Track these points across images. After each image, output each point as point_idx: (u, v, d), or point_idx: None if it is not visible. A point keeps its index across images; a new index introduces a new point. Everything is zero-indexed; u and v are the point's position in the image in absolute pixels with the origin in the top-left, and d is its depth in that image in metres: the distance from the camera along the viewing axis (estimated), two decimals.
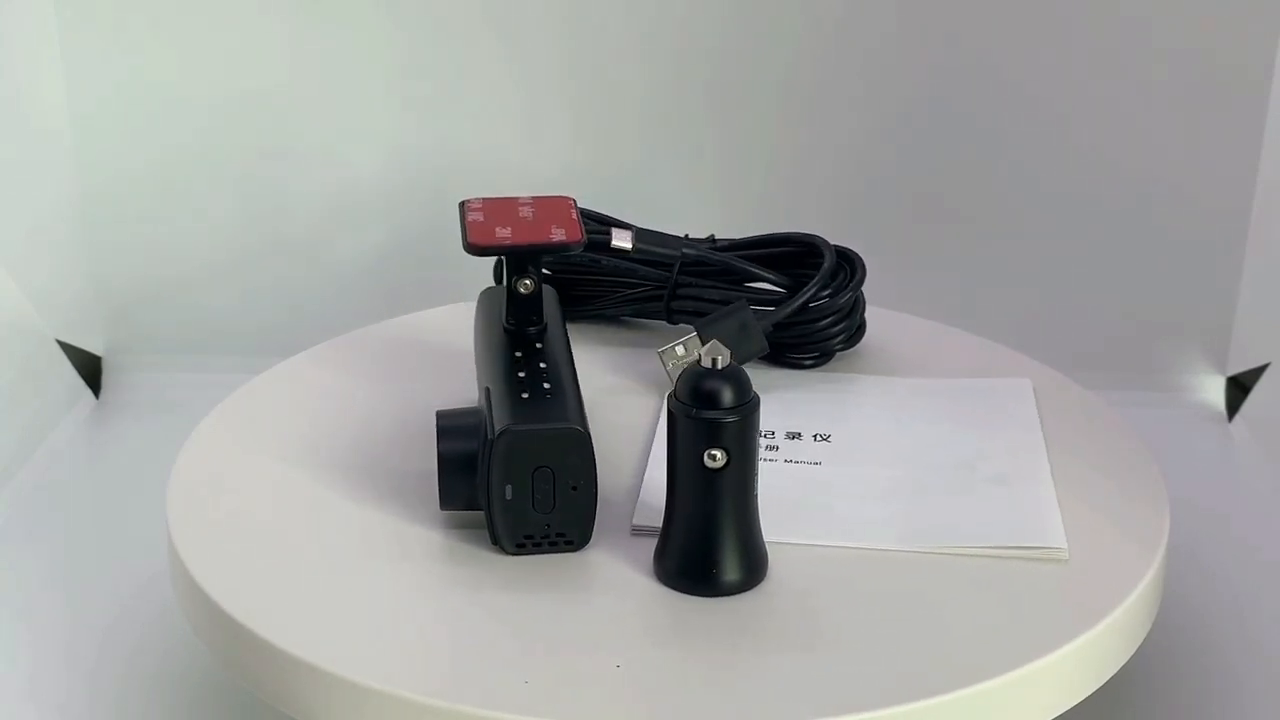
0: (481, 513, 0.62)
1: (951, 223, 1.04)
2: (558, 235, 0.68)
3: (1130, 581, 0.62)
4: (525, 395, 0.63)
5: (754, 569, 0.61)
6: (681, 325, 0.78)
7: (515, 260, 0.68)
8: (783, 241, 0.79)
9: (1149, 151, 1.02)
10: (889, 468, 0.69)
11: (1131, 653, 0.62)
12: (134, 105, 1.03)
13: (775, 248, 0.78)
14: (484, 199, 0.70)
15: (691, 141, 1.04)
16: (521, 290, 0.68)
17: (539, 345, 0.67)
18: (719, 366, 0.59)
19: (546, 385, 0.64)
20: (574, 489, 0.61)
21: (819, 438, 0.71)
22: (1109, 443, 0.71)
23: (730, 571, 0.60)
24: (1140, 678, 0.73)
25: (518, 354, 0.66)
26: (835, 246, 0.77)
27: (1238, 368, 1.03)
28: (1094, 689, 0.60)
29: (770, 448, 0.70)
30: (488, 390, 0.64)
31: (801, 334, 0.76)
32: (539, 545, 0.62)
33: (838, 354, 0.78)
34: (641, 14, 1.01)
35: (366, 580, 0.62)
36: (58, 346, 1.02)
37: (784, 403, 0.73)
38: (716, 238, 0.80)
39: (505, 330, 0.68)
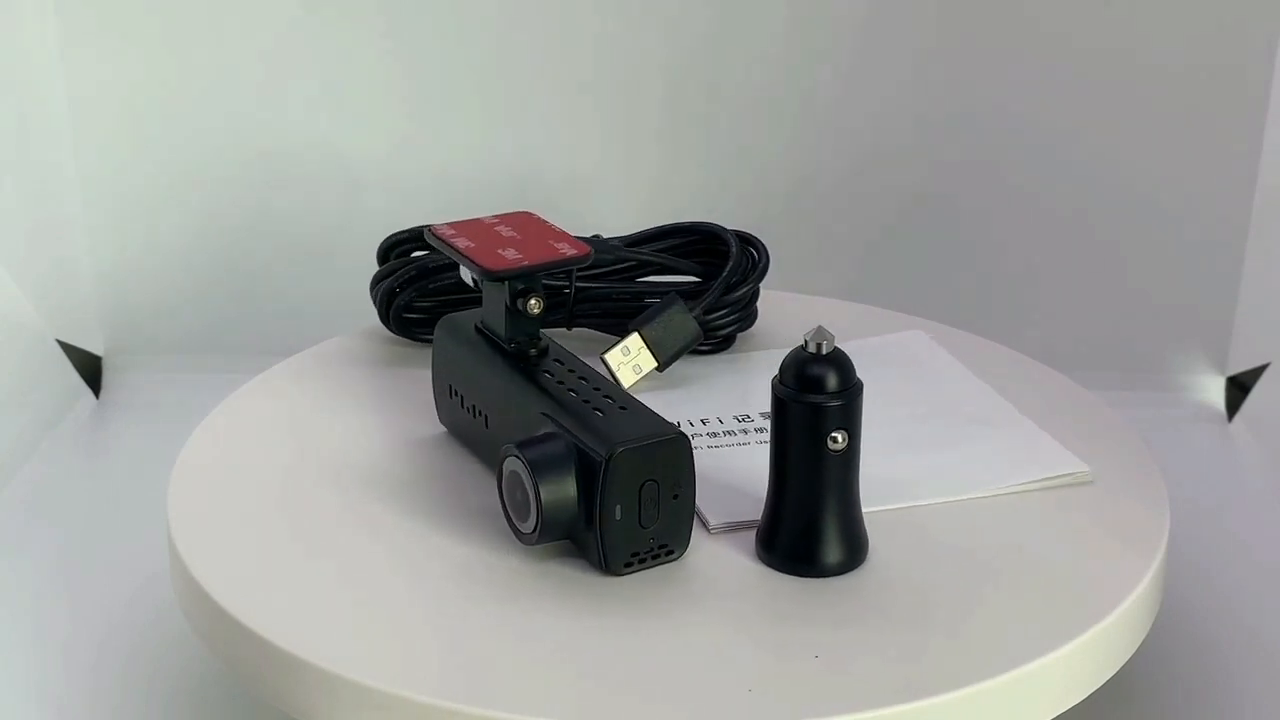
0: (507, 526, 0.62)
1: (951, 223, 1.04)
2: (567, 250, 0.66)
3: (1130, 581, 0.62)
4: (600, 413, 0.61)
5: (863, 545, 0.62)
6: (579, 329, 0.78)
7: (517, 280, 0.65)
8: (675, 233, 0.79)
9: (1149, 152, 1.02)
10: (877, 429, 0.69)
11: (1131, 653, 0.62)
12: (134, 106, 1.03)
13: (676, 238, 0.79)
14: (450, 223, 0.68)
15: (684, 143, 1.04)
16: (533, 310, 0.66)
17: (560, 362, 0.65)
18: (824, 351, 0.59)
19: (609, 399, 0.62)
20: (675, 497, 0.60)
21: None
22: (1109, 442, 0.71)
23: (848, 550, 0.61)
24: (1140, 678, 0.73)
25: (547, 374, 0.64)
26: (737, 232, 0.78)
27: (1238, 368, 1.03)
28: (1094, 689, 0.60)
29: (760, 429, 0.71)
30: (548, 416, 0.62)
31: (706, 322, 0.76)
32: (644, 561, 0.61)
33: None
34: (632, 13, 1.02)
35: (367, 579, 0.62)
36: (58, 346, 1.02)
37: (725, 387, 0.74)
38: (601, 236, 0.79)
39: (509, 353, 0.66)
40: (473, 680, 0.56)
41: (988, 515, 0.66)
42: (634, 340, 0.73)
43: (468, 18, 1.02)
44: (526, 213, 0.70)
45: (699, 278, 0.78)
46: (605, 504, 0.59)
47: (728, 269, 0.76)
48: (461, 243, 0.66)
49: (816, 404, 0.59)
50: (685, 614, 0.60)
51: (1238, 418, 1.01)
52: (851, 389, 0.59)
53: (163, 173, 1.03)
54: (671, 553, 0.61)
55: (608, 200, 1.04)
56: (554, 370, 0.65)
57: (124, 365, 1.05)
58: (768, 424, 0.70)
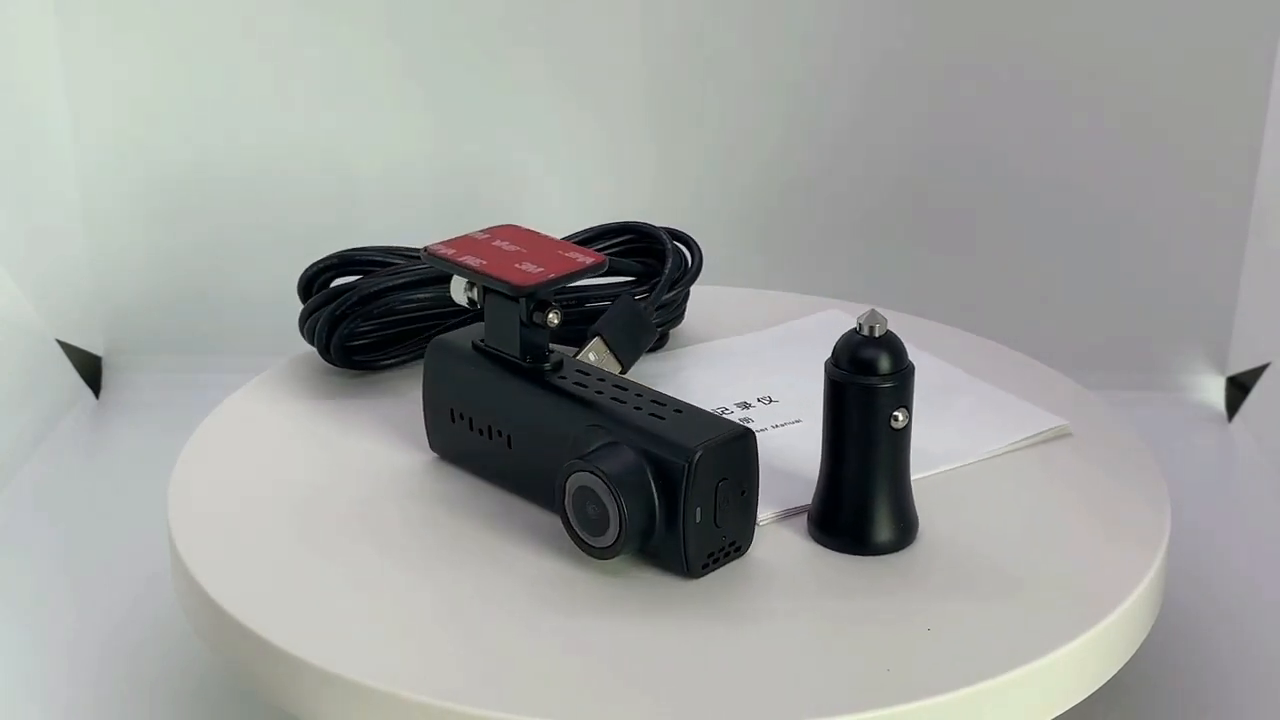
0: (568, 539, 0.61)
1: (952, 223, 1.04)
2: (583, 259, 0.65)
3: (1130, 581, 0.62)
4: (660, 418, 0.61)
5: (916, 521, 0.64)
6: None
7: (535, 294, 0.64)
8: (608, 233, 0.78)
9: (1149, 151, 1.02)
10: None
11: (1131, 653, 0.62)
12: (134, 106, 1.03)
13: (611, 239, 0.78)
14: (445, 242, 0.66)
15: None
16: (552, 323, 0.64)
17: (584, 373, 0.64)
18: (876, 334, 0.60)
19: (658, 403, 0.62)
20: (742, 493, 0.61)
21: (762, 400, 0.73)
22: (1109, 442, 0.71)
23: (905, 527, 0.63)
24: (1140, 678, 0.73)
25: (579, 385, 0.63)
26: (669, 230, 0.78)
27: (1238, 368, 1.03)
28: (1094, 689, 0.60)
29: (744, 420, 0.71)
30: (601, 427, 0.61)
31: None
32: (717, 560, 0.61)
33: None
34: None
35: (367, 579, 0.62)
36: (58, 346, 1.02)
37: (683, 384, 0.75)
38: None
39: (526, 369, 0.64)
40: (483, 681, 0.56)
41: (986, 513, 0.66)
42: (597, 345, 0.72)
43: (469, 20, 1.02)
44: (511, 225, 0.68)
45: (634, 277, 0.77)
46: (688, 507, 0.59)
47: (669, 267, 0.76)
48: (472, 261, 0.65)
49: (872, 385, 0.60)
50: (771, 604, 0.60)
51: (1238, 418, 1.01)
52: (904, 370, 0.61)
53: (163, 173, 1.03)
54: (740, 549, 0.62)
55: (548, 200, 1.04)
56: (584, 381, 0.64)
57: (124, 365, 1.05)
58: (748, 414, 0.72)
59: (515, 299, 0.64)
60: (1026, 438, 0.70)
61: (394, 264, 0.76)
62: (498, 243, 0.66)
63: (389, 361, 0.76)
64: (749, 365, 0.77)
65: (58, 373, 1.01)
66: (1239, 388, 1.03)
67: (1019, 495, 0.67)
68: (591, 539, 0.60)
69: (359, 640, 0.58)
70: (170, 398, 0.99)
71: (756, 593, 0.61)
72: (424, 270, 0.74)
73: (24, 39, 0.99)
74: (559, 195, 1.05)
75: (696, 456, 0.58)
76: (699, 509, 0.59)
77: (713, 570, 0.61)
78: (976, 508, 0.66)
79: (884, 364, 0.60)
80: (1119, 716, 0.72)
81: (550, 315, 0.64)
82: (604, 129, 1.04)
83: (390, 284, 0.74)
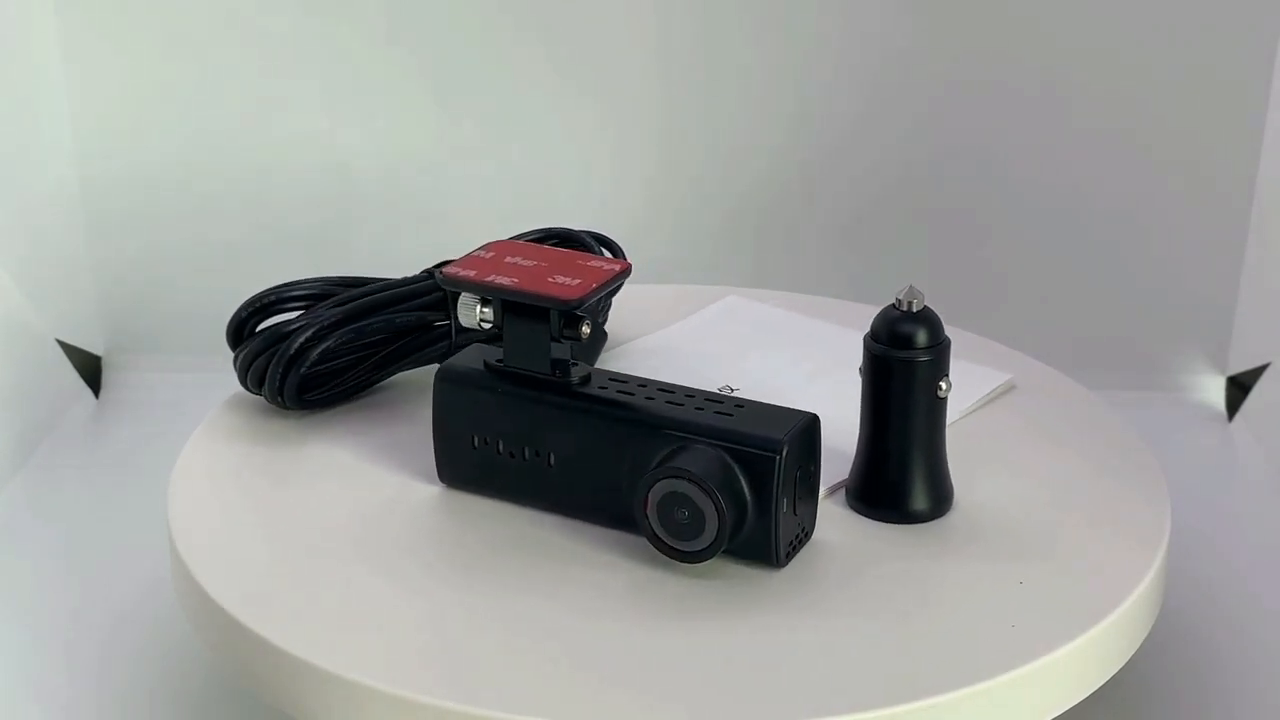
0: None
1: (952, 223, 1.04)
2: (610, 266, 0.64)
3: (1130, 581, 0.62)
4: (727, 415, 0.61)
5: (951, 487, 0.66)
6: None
7: (566, 309, 0.62)
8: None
9: (1149, 151, 1.02)
10: (798, 393, 0.70)
11: (1131, 653, 0.62)
12: (134, 106, 1.03)
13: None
14: (456, 263, 0.64)
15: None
16: (585, 335, 0.63)
17: (619, 380, 0.64)
18: (914, 310, 0.63)
19: (712, 400, 0.62)
20: (810, 479, 0.61)
21: (723, 391, 0.72)
22: (1109, 443, 0.71)
23: (946, 493, 0.65)
24: (1140, 678, 0.73)
25: (623, 393, 0.63)
26: (591, 233, 0.78)
27: (1238, 368, 1.03)
28: (1094, 689, 0.60)
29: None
30: (663, 432, 0.60)
31: None
32: (795, 548, 0.62)
33: None
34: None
35: (368, 580, 0.62)
36: (58, 346, 1.02)
37: (645, 375, 0.74)
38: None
39: (559, 383, 0.63)
40: (482, 682, 0.56)
41: (985, 513, 0.66)
42: None
43: (470, 21, 1.02)
44: (506, 240, 0.67)
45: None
46: (778, 498, 0.59)
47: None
48: (504, 280, 0.63)
49: (912, 359, 0.62)
50: (851, 583, 0.61)
51: (1238, 418, 1.01)
52: (942, 343, 0.63)
53: (162, 173, 1.03)
54: (808, 534, 0.62)
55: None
56: (625, 389, 0.63)
57: (124, 365, 1.05)
58: None
59: (550, 314, 0.62)
60: (976, 403, 0.73)
61: (335, 293, 0.73)
62: (510, 259, 0.65)
63: (357, 390, 0.73)
64: (686, 359, 0.77)
65: (58, 373, 1.01)
66: (1239, 388, 1.03)
67: (1018, 495, 0.67)
68: (683, 544, 0.60)
69: (359, 640, 0.58)
70: (170, 398, 0.99)
71: (836, 578, 0.61)
72: (374, 297, 0.72)
73: (24, 38, 0.99)
74: (559, 195, 1.05)
75: (785, 448, 0.59)
76: (784, 499, 0.60)
77: (792, 558, 0.61)
78: (975, 508, 0.66)
79: (922, 338, 0.62)
80: (1119, 716, 0.72)
81: (583, 327, 0.63)
82: (605, 129, 1.04)
83: (338, 318, 0.71)
